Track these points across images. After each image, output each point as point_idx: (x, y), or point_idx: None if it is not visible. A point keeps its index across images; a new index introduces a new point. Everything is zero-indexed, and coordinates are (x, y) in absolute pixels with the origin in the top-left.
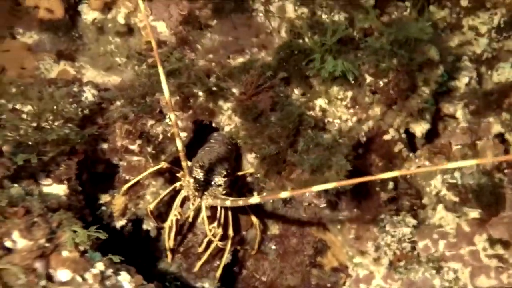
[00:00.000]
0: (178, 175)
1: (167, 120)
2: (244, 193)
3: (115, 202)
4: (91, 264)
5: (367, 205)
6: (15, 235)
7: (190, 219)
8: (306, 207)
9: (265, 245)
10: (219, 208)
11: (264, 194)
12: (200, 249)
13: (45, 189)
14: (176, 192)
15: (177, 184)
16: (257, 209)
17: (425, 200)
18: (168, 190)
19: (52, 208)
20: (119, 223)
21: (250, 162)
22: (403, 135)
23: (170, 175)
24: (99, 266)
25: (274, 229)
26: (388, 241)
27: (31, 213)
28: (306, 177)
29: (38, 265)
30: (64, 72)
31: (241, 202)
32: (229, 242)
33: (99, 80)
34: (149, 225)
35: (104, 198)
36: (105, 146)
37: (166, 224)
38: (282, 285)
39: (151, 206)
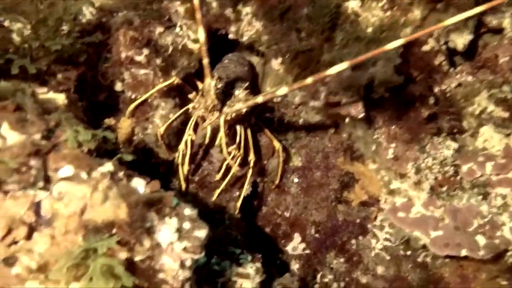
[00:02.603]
0: (190, 96)
1: (178, 29)
2: (263, 120)
3: (120, 125)
4: (99, 163)
5: (406, 122)
6: (4, 127)
7: (206, 140)
8: (331, 136)
9: (287, 179)
10: (238, 129)
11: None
12: (218, 177)
13: (40, 96)
14: (187, 119)
15: (190, 106)
16: (278, 138)
17: (464, 124)
18: (180, 112)
19: (48, 110)
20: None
21: (275, 70)
22: (443, 47)
23: (180, 100)
24: (108, 166)
25: (297, 161)
26: (429, 163)
27: (24, 110)
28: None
29: (34, 162)
30: None
31: (268, 95)
32: (251, 169)
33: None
34: (158, 158)
35: (108, 121)
36: (107, 65)
37: (180, 147)
38: (307, 221)
39: (161, 130)
